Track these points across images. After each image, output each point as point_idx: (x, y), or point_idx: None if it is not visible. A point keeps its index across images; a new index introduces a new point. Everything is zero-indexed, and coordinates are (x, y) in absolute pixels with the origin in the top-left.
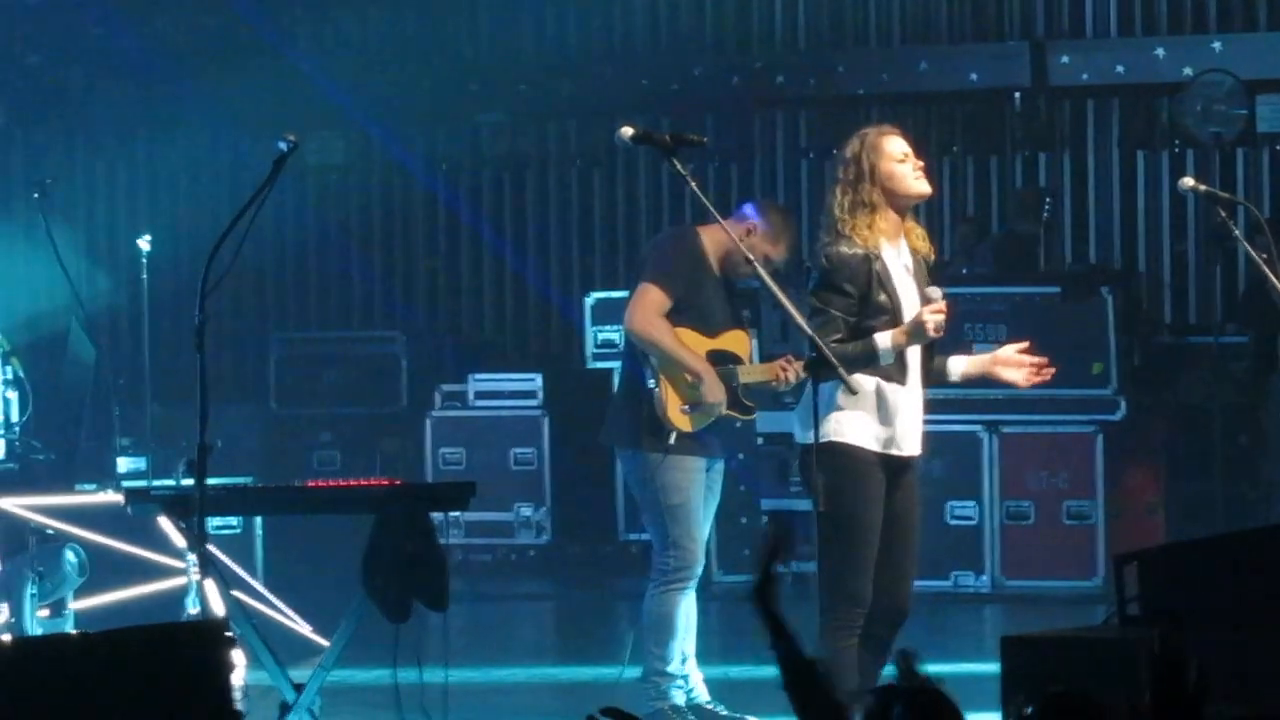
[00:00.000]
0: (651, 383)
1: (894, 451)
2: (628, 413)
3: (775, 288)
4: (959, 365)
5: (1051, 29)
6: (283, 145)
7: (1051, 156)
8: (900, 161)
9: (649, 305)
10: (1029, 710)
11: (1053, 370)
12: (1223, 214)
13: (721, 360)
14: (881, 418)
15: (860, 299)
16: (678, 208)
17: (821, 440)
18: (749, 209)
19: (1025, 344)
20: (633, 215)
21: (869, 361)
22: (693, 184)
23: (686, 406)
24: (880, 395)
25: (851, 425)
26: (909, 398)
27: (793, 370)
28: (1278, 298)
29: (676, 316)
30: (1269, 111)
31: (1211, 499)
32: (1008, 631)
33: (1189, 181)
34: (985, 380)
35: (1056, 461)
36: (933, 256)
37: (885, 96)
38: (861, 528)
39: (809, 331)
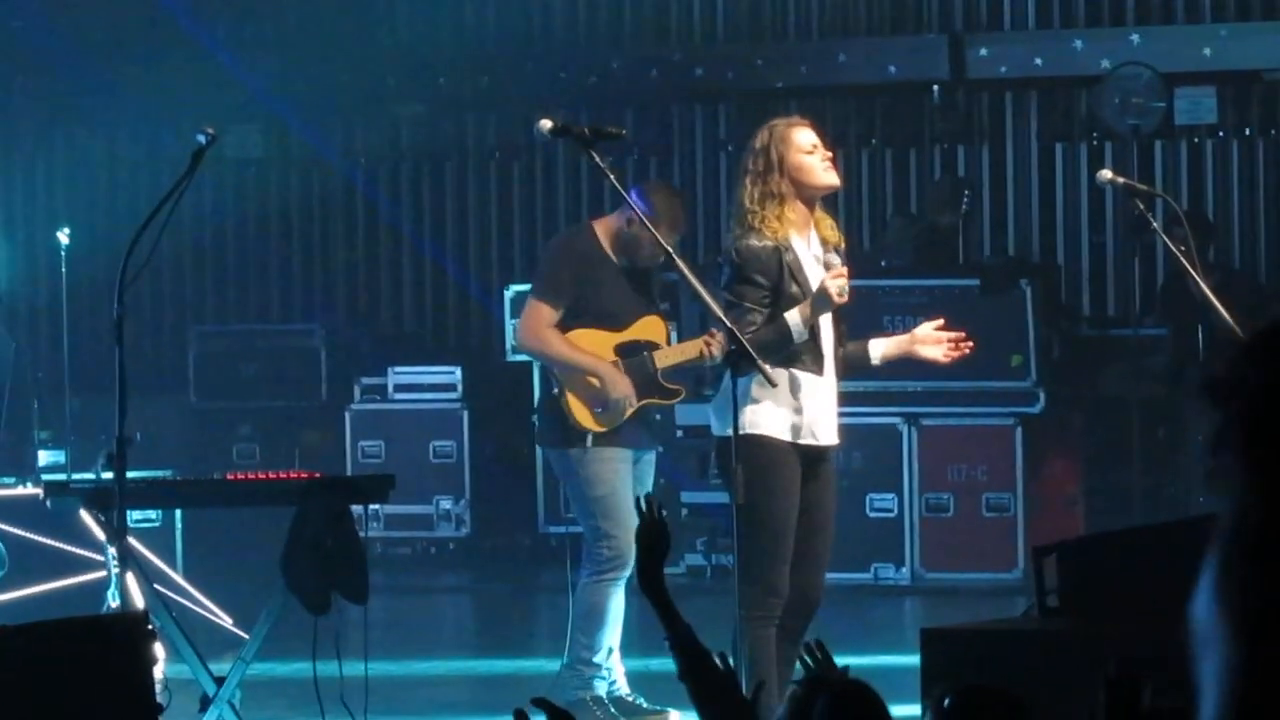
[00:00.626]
0: (555, 391)
1: (810, 442)
2: (548, 413)
3: (691, 276)
4: (878, 348)
5: (970, 22)
6: (201, 138)
7: (970, 149)
8: (808, 153)
9: (535, 320)
10: (946, 702)
11: (971, 345)
12: (1141, 206)
13: (633, 350)
14: (796, 408)
15: (773, 290)
16: (596, 200)
17: (738, 433)
18: (634, 194)
19: (941, 320)
20: (551, 208)
21: (784, 343)
22: (611, 177)
23: (597, 409)
24: (795, 385)
25: (767, 417)
26: (824, 388)
27: (716, 343)
28: (1196, 290)
29: (576, 320)
30: (1187, 104)
31: (1130, 491)
32: (928, 623)
33: (1107, 174)
34: (905, 361)
35: (976, 454)
36: (843, 246)
37: (804, 89)
38: (778, 519)
39: (726, 321)
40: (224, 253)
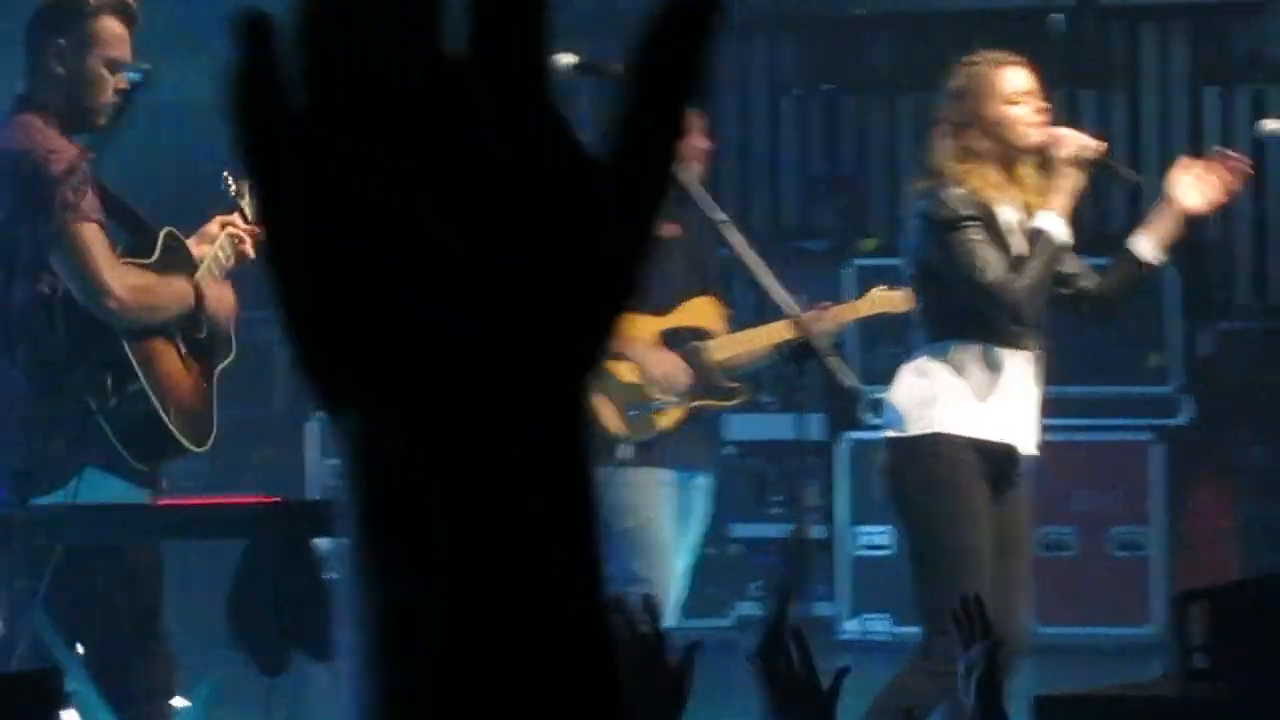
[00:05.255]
0: None
1: (1001, 440)
2: None
3: (747, 250)
4: (1146, 244)
5: None
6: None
7: (1101, 94)
8: (1015, 103)
9: None
10: None
11: (1247, 165)
12: None
13: (679, 340)
14: (989, 398)
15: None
16: None
17: (916, 433)
18: None
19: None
20: None
21: (1054, 259)
22: None
23: (631, 410)
24: (993, 365)
25: (948, 408)
26: (1028, 372)
27: (830, 318)
28: None
29: None
30: None
31: None
32: (1042, 690)
33: (1271, 124)
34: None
35: (1104, 478)
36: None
37: (890, 17)
38: (963, 539)
39: (790, 307)
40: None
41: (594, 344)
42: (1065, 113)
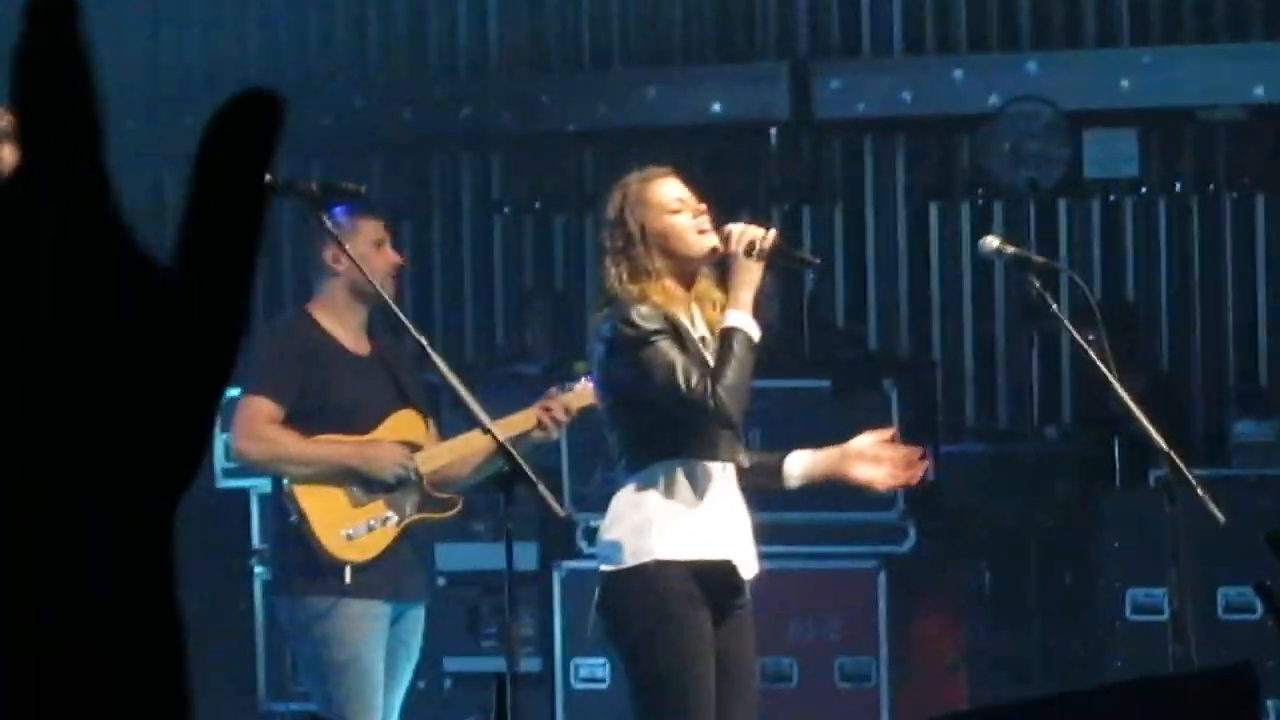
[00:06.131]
0: (293, 517)
1: (720, 562)
2: (287, 549)
3: (450, 375)
4: (798, 464)
5: (818, 46)
6: None
7: (818, 209)
8: (675, 212)
9: (251, 421)
10: None
11: (928, 464)
12: (1038, 285)
13: None
14: (700, 519)
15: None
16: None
17: (633, 564)
18: (339, 215)
19: (891, 431)
20: (275, 284)
21: (751, 357)
22: (345, 248)
23: (350, 529)
24: (699, 484)
25: (662, 535)
26: (735, 487)
27: (559, 407)
28: (1114, 393)
29: (305, 424)
30: (1099, 151)
31: (1026, 652)
32: None
33: (993, 241)
34: (830, 482)
35: (827, 606)
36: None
37: (602, 133)
38: (687, 676)
39: (490, 428)
40: None
41: (181, 457)
42: (785, 227)
